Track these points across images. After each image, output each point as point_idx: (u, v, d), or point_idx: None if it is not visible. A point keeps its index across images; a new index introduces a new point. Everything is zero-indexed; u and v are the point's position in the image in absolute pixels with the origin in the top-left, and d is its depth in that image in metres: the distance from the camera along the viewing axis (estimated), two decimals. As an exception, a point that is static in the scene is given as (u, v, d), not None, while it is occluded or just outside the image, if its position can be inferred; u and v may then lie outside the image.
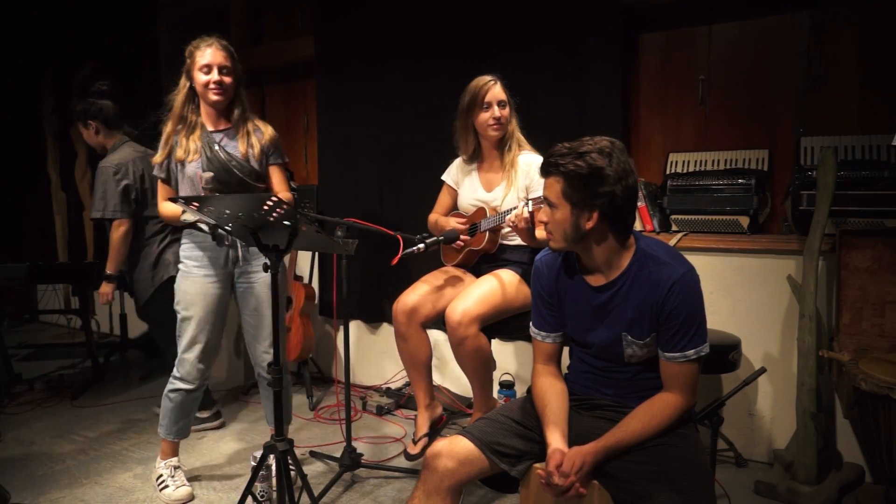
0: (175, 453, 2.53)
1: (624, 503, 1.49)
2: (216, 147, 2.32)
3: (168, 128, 2.36)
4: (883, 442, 1.99)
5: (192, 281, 2.36)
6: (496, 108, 2.33)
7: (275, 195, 1.66)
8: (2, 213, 5.48)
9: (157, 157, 2.37)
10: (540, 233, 2.25)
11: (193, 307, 2.35)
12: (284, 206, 1.67)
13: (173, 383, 2.41)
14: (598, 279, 1.62)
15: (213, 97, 2.30)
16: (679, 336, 1.54)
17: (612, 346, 1.63)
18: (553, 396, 1.65)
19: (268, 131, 2.41)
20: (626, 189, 1.51)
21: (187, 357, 2.37)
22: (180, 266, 2.41)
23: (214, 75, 2.28)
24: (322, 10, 3.67)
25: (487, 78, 2.37)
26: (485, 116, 2.35)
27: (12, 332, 5.27)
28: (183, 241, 2.43)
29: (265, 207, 1.68)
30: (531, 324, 1.78)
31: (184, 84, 2.34)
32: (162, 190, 2.42)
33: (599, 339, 1.64)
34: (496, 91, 2.34)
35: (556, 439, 1.55)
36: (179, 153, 2.33)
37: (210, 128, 2.37)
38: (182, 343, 2.37)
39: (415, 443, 2.50)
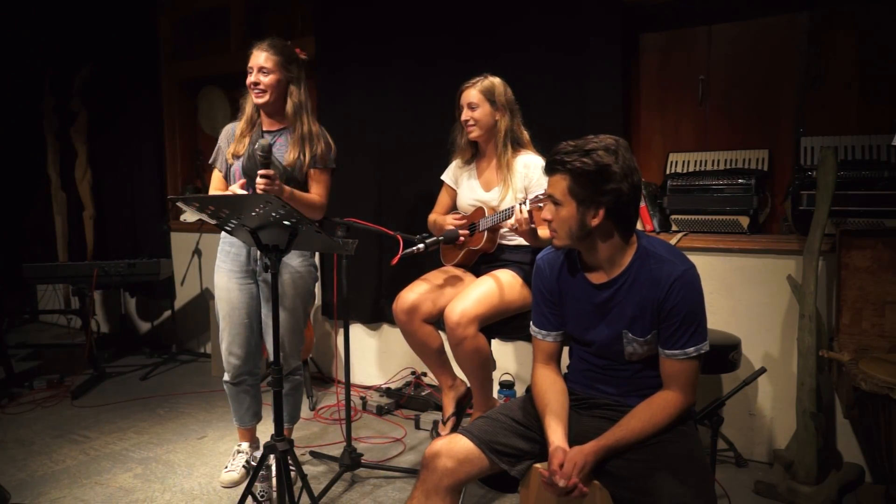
0: (244, 438, 2.65)
1: (625, 501, 1.49)
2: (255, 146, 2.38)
3: (241, 124, 2.44)
4: (883, 442, 1.99)
5: (220, 276, 2.48)
6: (466, 109, 2.40)
7: (272, 195, 1.66)
8: (2, 213, 5.48)
9: (229, 152, 2.44)
10: (542, 232, 2.26)
11: (221, 301, 2.48)
12: (283, 206, 1.67)
13: (223, 376, 2.55)
14: (599, 277, 1.63)
15: (254, 98, 2.38)
16: (679, 333, 1.54)
17: (613, 344, 1.63)
18: (553, 395, 1.65)
19: (320, 145, 2.42)
20: (632, 186, 1.53)
21: (222, 350, 2.52)
22: (216, 261, 2.52)
23: (253, 77, 2.35)
24: (322, 10, 3.67)
25: (469, 81, 2.42)
26: (461, 118, 2.43)
27: (12, 332, 5.27)
28: (221, 235, 2.52)
29: (259, 209, 1.68)
30: (531, 322, 1.79)
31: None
32: (213, 177, 2.51)
33: (600, 337, 1.64)
34: (467, 94, 2.40)
35: (557, 438, 1.55)
36: (235, 149, 2.41)
37: (265, 127, 2.45)
38: (219, 336, 2.53)
39: (444, 423, 2.50)
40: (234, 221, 1.84)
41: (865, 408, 2.02)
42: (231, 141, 2.44)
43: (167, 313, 4.64)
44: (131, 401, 3.57)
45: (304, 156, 2.38)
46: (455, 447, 1.58)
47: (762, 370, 2.01)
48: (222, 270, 2.47)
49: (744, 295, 2.68)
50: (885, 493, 2.17)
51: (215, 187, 2.50)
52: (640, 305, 1.57)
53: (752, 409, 2.71)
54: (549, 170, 1.57)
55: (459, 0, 3.17)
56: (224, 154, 2.46)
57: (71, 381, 3.80)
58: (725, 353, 2.42)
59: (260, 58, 2.34)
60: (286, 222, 1.74)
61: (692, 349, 1.55)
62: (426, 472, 1.59)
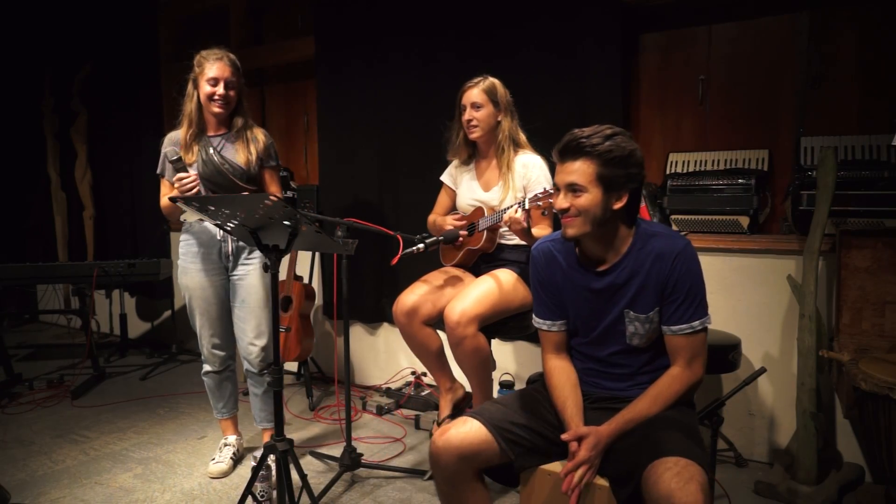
0: (229, 430, 2.76)
1: (624, 478, 1.48)
2: (211, 151, 2.44)
3: (183, 131, 2.46)
4: (883, 442, 1.99)
5: (191, 277, 2.52)
6: (469, 109, 2.40)
7: (274, 195, 1.67)
8: (2, 213, 5.48)
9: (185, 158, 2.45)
10: (537, 231, 2.26)
11: (195, 300, 2.54)
12: (284, 207, 1.67)
13: (203, 367, 2.66)
14: (599, 263, 1.64)
15: (216, 109, 2.42)
16: (685, 307, 1.57)
17: (615, 326, 1.64)
18: (570, 389, 1.67)
19: (261, 139, 2.52)
20: (644, 171, 1.59)
21: (203, 344, 2.61)
22: (179, 262, 2.56)
23: (220, 89, 2.39)
24: (322, 10, 3.67)
25: (471, 81, 2.42)
26: (463, 119, 2.42)
27: (12, 332, 5.27)
28: (181, 238, 2.56)
29: (264, 207, 1.68)
30: (534, 315, 1.79)
31: (192, 91, 2.44)
32: (163, 187, 2.57)
33: (605, 322, 1.65)
34: (470, 94, 2.40)
35: (575, 425, 1.57)
36: (185, 158, 2.43)
37: (210, 132, 2.49)
38: (197, 332, 2.60)
39: (439, 425, 2.50)
40: (234, 221, 1.84)
41: (865, 408, 2.01)
42: (177, 149, 2.46)
43: (167, 313, 4.64)
44: (131, 401, 3.57)
45: (252, 154, 2.46)
46: (468, 431, 1.59)
47: (762, 370, 2.01)
48: (192, 271, 2.52)
49: (744, 295, 2.68)
50: (885, 493, 2.17)
51: (163, 194, 2.55)
52: (643, 283, 1.58)
53: (752, 409, 2.70)
54: (572, 155, 1.53)
55: (460, 1, 3.17)
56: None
57: (71, 381, 3.80)
58: (725, 353, 2.42)
59: (226, 71, 2.39)
60: (286, 222, 1.74)
61: (698, 322, 1.58)
62: (438, 458, 1.59)
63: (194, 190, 2.36)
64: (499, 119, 2.40)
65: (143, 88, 4.60)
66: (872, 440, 2.07)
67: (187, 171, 2.37)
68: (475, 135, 2.42)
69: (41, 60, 5.14)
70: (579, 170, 1.53)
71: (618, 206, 1.55)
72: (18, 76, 5.25)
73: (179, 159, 2.36)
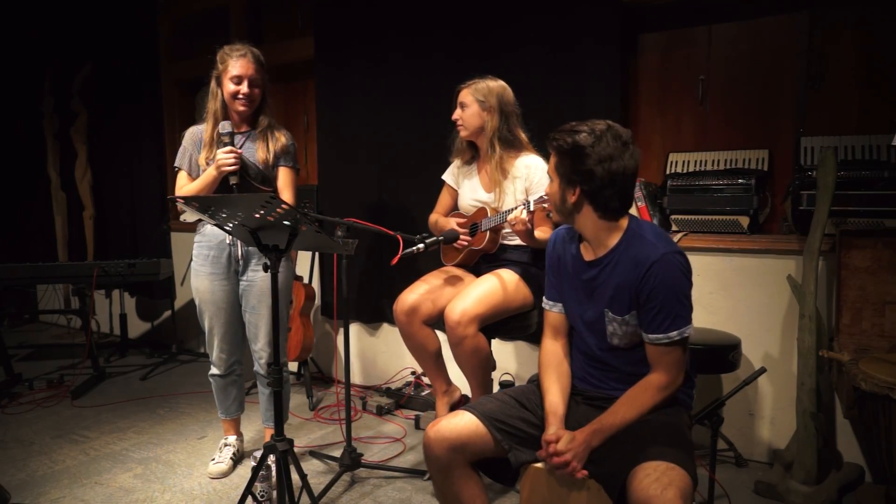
0: (231, 431, 2.75)
1: (611, 480, 1.48)
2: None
3: (207, 128, 2.43)
4: (883, 442, 1.99)
5: (201, 279, 2.51)
6: (458, 108, 2.42)
7: (273, 193, 1.66)
8: (2, 213, 5.48)
9: (202, 157, 2.43)
10: (539, 233, 2.26)
11: (205, 303, 2.53)
12: (283, 206, 1.67)
13: (210, 369, 2.64)
14: (589, 254, 1.67)
15: (240, 108, 2.39)
16: (661, 317, 1.54)
17: (597, 322, 1.66)
18: (556, 377, 1.69)
19: (281, 139, 2.48)
20: (608, 172, 1.53)
21: (211, 346, 2.59)
22: (192, 265, 2.54)
23: (244, 87, 2.35)
24: (322, 10, 3.67)
25: (467, 81, 2.43)
26: (453, 117, 2.45)
27: (12, 332, 5.27)
28: (195, 238, 2.55)
29: (263, 208, 1.68)
30: (544, 295, 1.82)
31: (215, 89, 2.41)
32: (180, 179, 2.51)
33: (588, 315, 1.68)
34: (461, 94, 2.43)
35: (554, 422, 1.59)
36: (206, 154, 2.41)
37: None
38: (205, 334, 2.59)
39: None
40: (234, 221, 1.84)
41: (865, 408, 2.01)
42: (199, 145, 2.45)
43: (167, 313, 4.64)
44: (131, 401, 3.57)
45: (270, 154, 2.43)
46: (458, 422, 1.61)
47: (762, 370, 2.01)
48: (202, 274, 2.50)
49: (744, 295, 2.68)
50: (885, 493, 2.17)
51: (180, 187, 2.50)
52: (618, 286, 1.59)
53: (752, 409, 2.71)
54: (547, 146, 1.66)
55: (459, 0, 3.17)
56: (192, 157, 2.46)
57: (71, 381, 3.80)
58: (725, 353, 2.42)
59: (250, 68, 2.35)
60: (286, 222, 1.74)
61: (675, 333, 1.54)
62: (430, 449, 1.61)
63: (232, 167, 2.29)
64: (484, 120, 2.39)
65: (143, 88, 4.60)
66: (872, 440, 2.07)
67: (233, 146, 2.32)
68: (462, 133, 2.45)
69: (41, 60, 5.14)
70: (550, 159, 1.65)
71: (571, 199, 1.59)
72: (18, 76, 5.25)
73: (230, 133, 2.31)
